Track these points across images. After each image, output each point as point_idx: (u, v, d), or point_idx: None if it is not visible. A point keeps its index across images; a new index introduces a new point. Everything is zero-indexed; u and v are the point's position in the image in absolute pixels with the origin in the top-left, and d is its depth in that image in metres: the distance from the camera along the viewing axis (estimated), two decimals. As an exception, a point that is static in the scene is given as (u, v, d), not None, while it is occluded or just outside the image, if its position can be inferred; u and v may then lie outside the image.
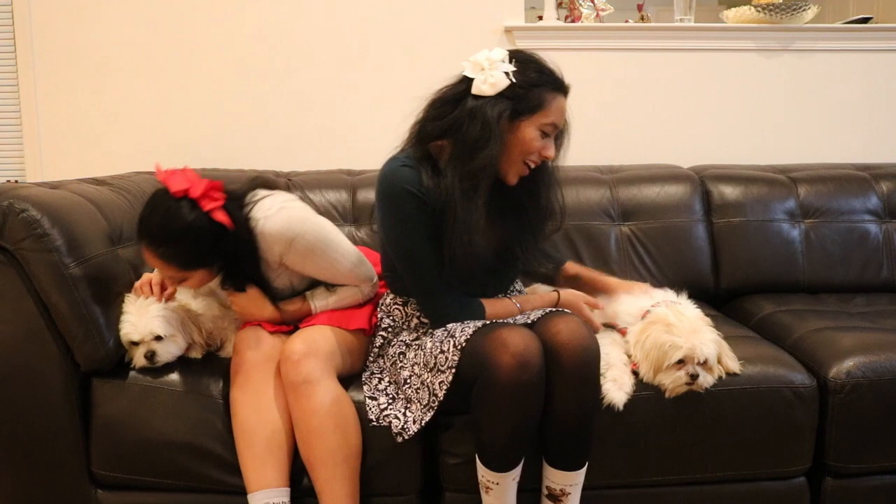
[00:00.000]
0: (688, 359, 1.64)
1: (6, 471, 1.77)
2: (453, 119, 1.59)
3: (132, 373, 1.75)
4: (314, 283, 1.86)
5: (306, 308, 1.81)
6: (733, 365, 1.73)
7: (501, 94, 1.56)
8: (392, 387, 1.73)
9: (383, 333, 1.79)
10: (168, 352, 1.74)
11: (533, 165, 1.64)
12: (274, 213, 1.67)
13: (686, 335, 1.64)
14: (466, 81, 1.60)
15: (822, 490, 1.80)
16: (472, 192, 1.57)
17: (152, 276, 1.81)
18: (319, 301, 1.82)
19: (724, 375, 1.71)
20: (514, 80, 1.57)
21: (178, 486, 1.73)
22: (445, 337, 1.60)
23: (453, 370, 1.54)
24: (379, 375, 1.77)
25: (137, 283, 1.80)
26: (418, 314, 1.76)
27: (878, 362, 1.77)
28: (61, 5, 2.65)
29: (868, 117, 2.78)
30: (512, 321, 1.63)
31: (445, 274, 1.63)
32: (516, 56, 1.61)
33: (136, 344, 1.73)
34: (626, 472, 1.72)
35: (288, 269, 1.76)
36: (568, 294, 1.80)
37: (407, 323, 1.77)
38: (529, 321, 1.60)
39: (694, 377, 1.65)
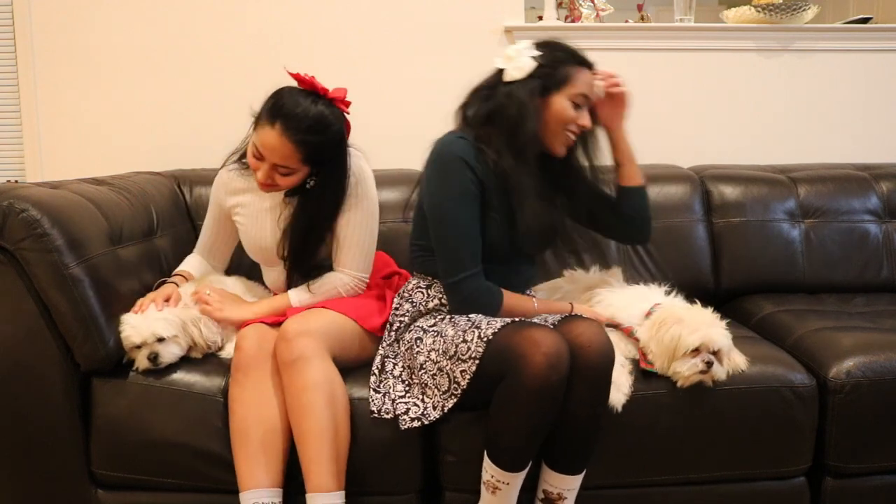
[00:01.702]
0: (703, 346, 1.65)
1: (6, 471, 1.77)
2: (492, 106, 1.74)
3: (132, 373, 1.75)
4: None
5: (285, 303, 1.86)
6: (740, 360, 1.74)
7: (530, 76, 1.70)
8: (406, 371, 1.74)
9: (402, 318, 1.80)
10: (171, 352, 1.74)
11: (574, 136, 1.76)
12: (354, 153, 1.85)
13: (700, 324, 1.66)
14: (499, 73, 1.75)
15: (822, 490, 1.80)
16: (524, 163, 1.69)
17: (154, 295, 1.83)
18: (295, 296, 1.86)
19: (730, 371, 1.72)
20: (540, 62, 1.71)
21: (178, 485, 1.73)
22: (469, 327, 1.61)
23: (477, 361, 1.55)
24: (393, 360, 1.77)
25: (140, 301, 1.81)
26: (440, 296, 1.77)
27: (878, 362, 1.77)
28: (61, 5, 2.65)
29: (868, 117, 2.78)
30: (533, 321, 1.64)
31: (487, 247, 1.71)
32: (540, 42, 1.75)
33: (138, 347, 1.73)
34: (625, 472, 1.73)
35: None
36: (581, 308, 1.83)
37: (425, 305, 1.78)
38: (550, 325, 1.61)
39: (709, 364, 1.65)
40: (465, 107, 1.80)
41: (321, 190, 1.81)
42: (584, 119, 1.75)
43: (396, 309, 1.83)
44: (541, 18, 2.78)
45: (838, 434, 1.76)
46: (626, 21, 2.86)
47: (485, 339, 1.56)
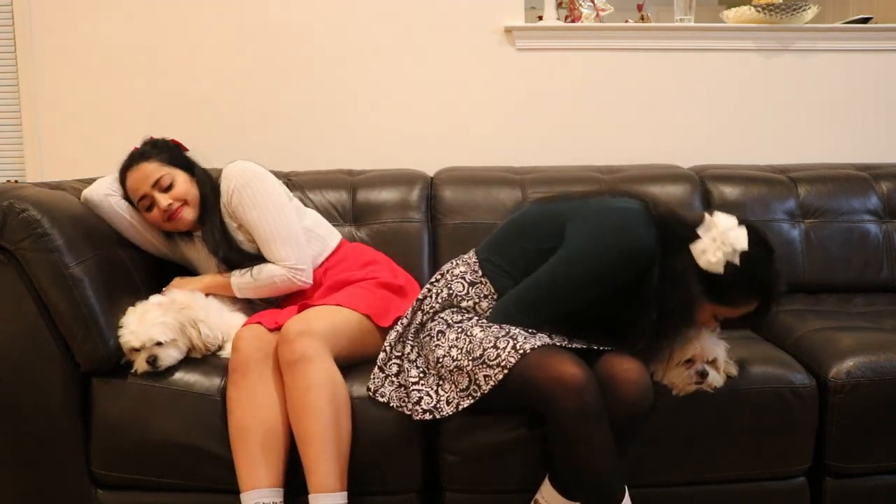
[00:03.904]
0: (696, 357, 1.65)
1: (6, 471, 1.77)
2: (668, 252, 1.58)
3: (132, 373, 1.74)
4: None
5: (227, 280, 1.94)
6: (731, 368, 1.73)
7: (710, 273, 1.54)
8: (422, 359, 1.72)
9: (433, 304, 1.75)
10: (170, 356, 1.74)
11: None
12: (238, 161, 1.98)
13: (695, 334, 1.65)
14: (691, 228, 1.58)
15: (822, 490, 1.80)
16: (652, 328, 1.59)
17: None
18: (237, 278, 1.92)
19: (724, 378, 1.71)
20: (728, 273, 1.53)
21: (177, 485, 1.73)
22: (503, 335, 1.58)
23: (505, 370, 1.53)
24: (412, 343, 1.75)
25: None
26: (477, 299, 1.72)
27: (878, 362, 1.77)
28: (61, 5, 2.65)
29: (868, 117, 2.77)
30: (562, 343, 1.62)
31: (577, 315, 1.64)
32: (751, 248, 1.54)
33: (137, 350, 1.73)
34: (625, 472, 1.72)
35: (238, 217, 1.93)
36: None
37: (459, 301, 1.73)
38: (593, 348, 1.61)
39: (703, 375, 1.65)
40: (655, 215, 1.63)
41: (207, 192, 1.98)
42: (712, 324, 1.64)
43: (434, 282, 1.78)
44: (541, 18, 2.78)
45: (838, 434, 1.76)
46: (626, 21, 2.86)
47: (520, 351, 1.53)
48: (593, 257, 1.59)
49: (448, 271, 1.78)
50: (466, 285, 1.74)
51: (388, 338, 1.77)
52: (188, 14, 2.66)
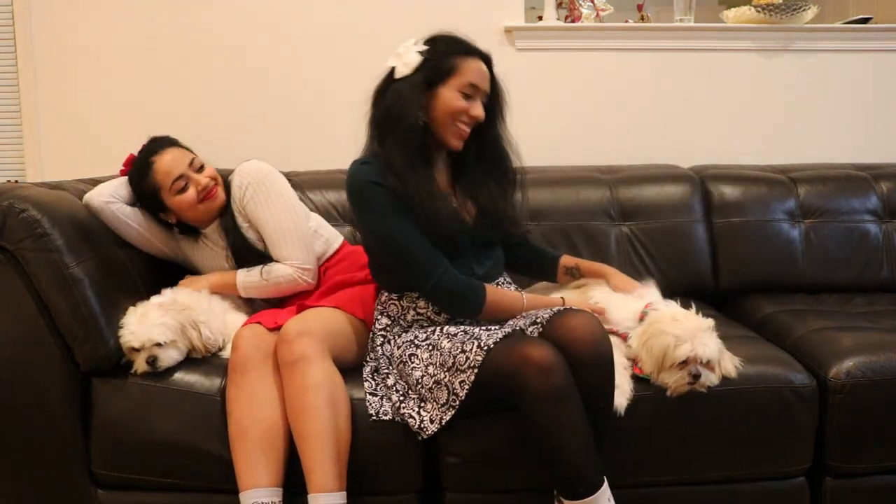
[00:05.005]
0: (691, 359, 1.65)
1: (6, 471, 1.77)
2: (383, 106, 1.72)
3: (132, 373, 1.74)
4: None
5: (232, 279, 1.95)
6: (730, 367, 1.72)
7: (417, 70, 1.70)
8: (401, 384, 1.73)
9: (383, 333, 1.80)
10: (170, 357, 1.74)
11: (466, 127, 1.73)
12: (253, 160, 2.01)
13: (689, 336, 1.65)
14: (391, 72, 1.74)
15: (822, 490, 1.80)
16: (411, 159, 1.67)
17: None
18: (243, 276, 1.94)
19: (720, 376, 1.71)
20: (425, 55, 1.70)
21: (178, 485, 1.73)
22: (468, 339, 1.61)
23: (476, 370, 1.55)
24: (387, 370, 1.77)
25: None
26: (414, 306, 1.76)
27: (878, 362, 1.77)
28: (61, 5, 2.65)
29: (868, 117, 2.77)
30: (521, 319, 1.65)
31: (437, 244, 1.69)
32: (430, 38, 1.76)
33: (136, 350, 1.73)
34: (626, 473, 1.72)
35: (248, 216, 1.95)
36: (572, 301, 1.81)
37: (403, 317, 1.78)
38: (539, 320, 1.61)
39: (696, 377, 1.65)
40: (370, 120, 1.77)
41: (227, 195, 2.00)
42: (476, 110, 1.71)
43: (376, 321, 1.83)
44: (541, 18, 2.78)
45: (838, 434, 1.76)
46: (626, 21, 2.86)
47: (485, 348, 1.55)
48: (367, 219, 1.71)
49: (379, 302, 1.85)
50: (396, 301, 1.79)
51: (364, 371, 1.78)
52: (188, 14, 2.66)
